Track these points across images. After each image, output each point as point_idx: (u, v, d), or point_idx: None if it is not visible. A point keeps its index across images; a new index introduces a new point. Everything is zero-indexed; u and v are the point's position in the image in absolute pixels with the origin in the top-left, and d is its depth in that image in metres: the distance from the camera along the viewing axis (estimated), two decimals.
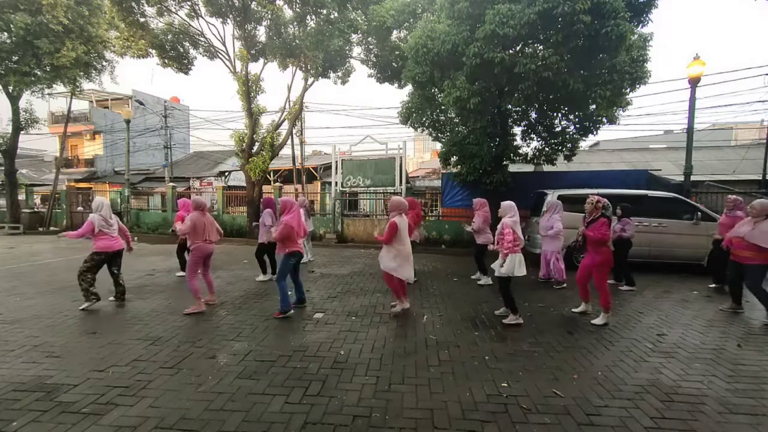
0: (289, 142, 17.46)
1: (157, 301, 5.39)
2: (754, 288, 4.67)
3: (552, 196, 7.54)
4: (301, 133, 19.95)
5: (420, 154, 71.36)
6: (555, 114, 10.08)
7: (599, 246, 4.52)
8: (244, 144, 13.04)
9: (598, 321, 4.55)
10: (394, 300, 5.04)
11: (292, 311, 4.78)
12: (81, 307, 4.92)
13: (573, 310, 5.03)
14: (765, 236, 4.43)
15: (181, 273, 7.11)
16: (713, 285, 6.38)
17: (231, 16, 12.20)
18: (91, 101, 26.45)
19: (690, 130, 9.16)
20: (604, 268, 4.59)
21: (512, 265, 4.40)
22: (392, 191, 11.74)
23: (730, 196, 6.33)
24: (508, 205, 4.65)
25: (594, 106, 8.84)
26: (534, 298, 5.61)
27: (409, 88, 11.30)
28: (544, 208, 6.70)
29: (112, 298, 5.31)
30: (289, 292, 4.88)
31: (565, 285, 6.25)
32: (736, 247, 4.79)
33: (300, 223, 4.75)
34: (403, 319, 4.66)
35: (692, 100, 9.00)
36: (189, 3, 12.20)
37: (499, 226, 4.59)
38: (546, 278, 6.53)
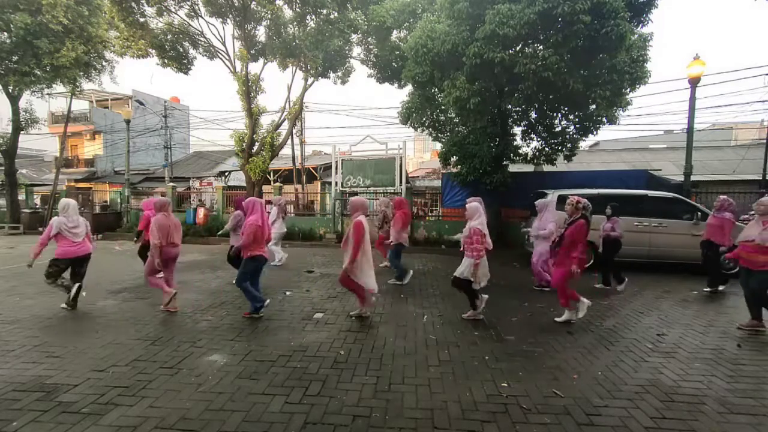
0: (289, 142, 17.47)
1: (157, 301, 5.37)
2: (758, 293, 4.25)
3: (552, 196, 7.52)
4: (301, 133, 19.96)
5: (420, 154, 71.39)
6: (555, 114, 10.09)
7: (572, 248, 4.33)
8: (244, 144, 13.05)
9: (561, 318, 4.52)
10: (359, 304, 4.68)
11: (263, 313, 4.67)
12: (62, 305, 4.89)
13: (557, 319, 4.65)
14: None
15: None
16: (707, 289, 6.09)
17: (231, 16, 12.21)
18: (91, 101, 26.45)
19: (690, 130, 9.17)
20: (566, 269, 4.38)
21: (483, 270, 4.28)
22: (392, 191, 11.75)
23: (720, 196, 6.12)
24: (474, 206, 4.41)
25: (594, 106, 8.85)
26: (533, 299, 5.60)
27: (409, 88, 11.32)
28: (538, 209, 6.18)
29: (63, 305, 4.91)
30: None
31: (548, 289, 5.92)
32: (748, 252, 4.25)
33: (265, 224, 4.53)
34: (404, 319, 4.65)
35: (692, 100, 9.00)
36: (189, 3, 12.22)
37: (466, 230, 4.34)
38: (541, 287, 6.07)
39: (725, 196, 6.02)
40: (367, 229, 4.37)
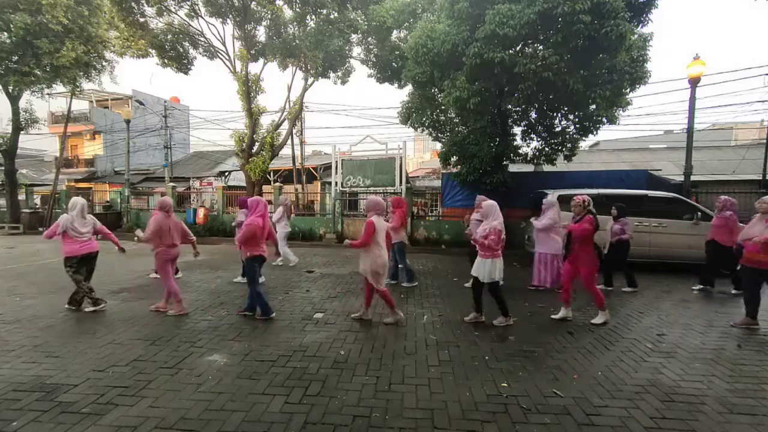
0: (289, 142, 17.46)
1: (157, 301, 5.37)
2: (753, 289, 4.27)
3: (552, 196, 7.51)
4: (301, 133, 19.95)
5: (420, 154, 71.40)
6: (555, 114, 10.08)
7: (584, 245, 4.39)
8: (244, 144, 13.05)
9: (597, 320, 4.55)
10: (390, 311, 4.56)
11: (273, 314, 4.63)
12: (88, 309, 4.88)
13: (553, 316, 4.71)
14: None
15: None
16: (697, 287, 6.13)
17: (231, 16, 12.23)
18: (91, 101, 26.45)
19: (690, 130, 9.17)
20: (590, 269, 4.45)
21: (498, 268, 4.28)
22: (392, 191, 11.75)
23: (721, 197, 6.10)
24: (491, 205, 4.38)
25: (594, 106, 8.84)
26: (533, 299, 5.60)
27: (409, 88, 11.32)
28: (543, 207, 6.09)
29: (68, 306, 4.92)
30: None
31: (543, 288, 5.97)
32: (751, 252, 4.17)
33: (265, 225, 4.50)
34: (403, 319, 4.64)
35: (692, 100, 9.00)
36: (189, 3, 12.23)
37: (484, 229, 4.29)
38: (537, 286, 6.01)
39: (726, 196, 6.02)
40: (380, 230, 4.28)
